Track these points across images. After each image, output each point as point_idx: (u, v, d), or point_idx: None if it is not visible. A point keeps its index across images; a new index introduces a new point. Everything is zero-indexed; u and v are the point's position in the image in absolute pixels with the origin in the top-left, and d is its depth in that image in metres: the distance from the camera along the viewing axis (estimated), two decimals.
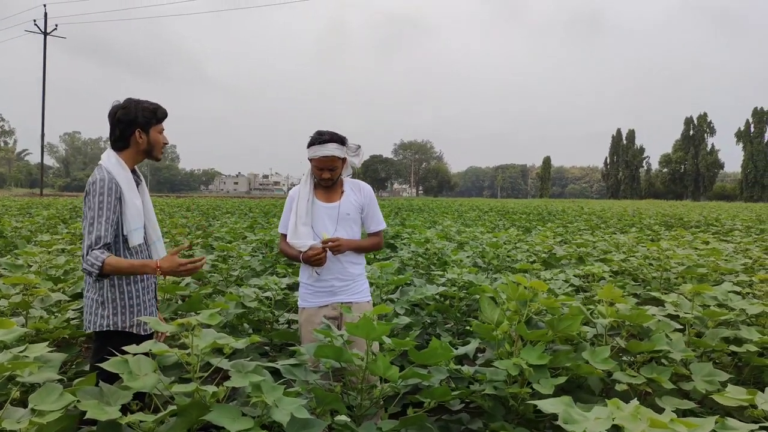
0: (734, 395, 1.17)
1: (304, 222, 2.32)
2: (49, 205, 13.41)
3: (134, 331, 1.97)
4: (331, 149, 2.28)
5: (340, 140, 2.34)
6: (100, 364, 1.49)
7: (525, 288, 1.91)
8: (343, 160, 2.37)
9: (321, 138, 2.30)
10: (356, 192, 2.44)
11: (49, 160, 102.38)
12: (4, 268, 3.35)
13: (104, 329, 1.92)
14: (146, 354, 1.51)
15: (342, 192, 2.41)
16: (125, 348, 1.58)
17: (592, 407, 0.96)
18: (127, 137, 1.97)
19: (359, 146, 2.43)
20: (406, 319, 1.89)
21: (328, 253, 2.29)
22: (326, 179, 2.35)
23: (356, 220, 2.43)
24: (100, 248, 1.84)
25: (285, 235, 2.43)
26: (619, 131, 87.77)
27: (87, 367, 2.23)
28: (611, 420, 0.84)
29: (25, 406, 1.63)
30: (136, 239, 1.95)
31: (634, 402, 0.87)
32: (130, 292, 1.96)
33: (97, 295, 1.92)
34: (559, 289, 2.91)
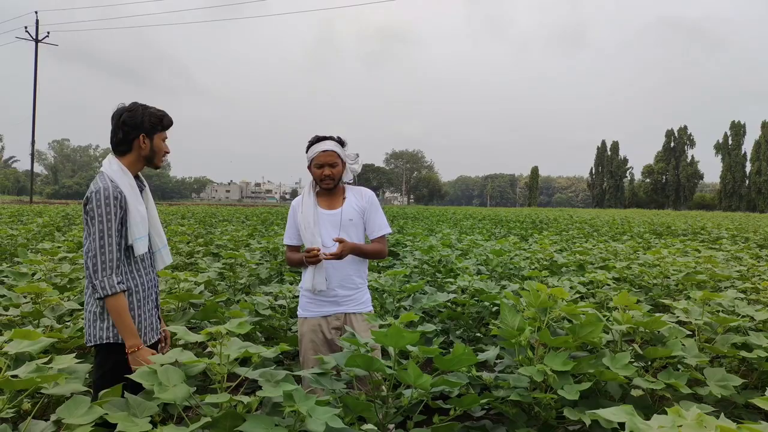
0: None
1: (312, 231, 2.30)
2: (41, 212, 13.14)
3: None
4: (329, 145, 2.31)
5: (339, 141, 2.37)
6: (129, 376, 1.46)
7: (547, 296, 1.93)
8: (343, 162, 2.37)
9: (319, 138, 2.35)
10: (357, 197, 2.41)
11: (37, 167, 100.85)
12: (6, 276, 3.26)
13: (104, 342, 1.83)
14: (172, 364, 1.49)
15: (344, 198, 2.39)
16: (151, 357, 1.55)
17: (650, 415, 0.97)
18: (131, 141, 1.90)
19: (358, 155, 2.44)
20: (431, 327, 1.89)
21: (333, 262, 2.25)
22: (327, 177, 2.29)
23: (359, 225, 2.38)
24: (117, 274, 1.78)
25: (290, 246, 2.43)
26: (603, 142, 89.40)
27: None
28: (676, 428, 0.84)
29: (40, 418, 1.59)
30: (141, 248, 1.87)
31: (695, 409, 0.88)
32: (131, 303, 1.87)
33: (95, 306, 1.84)
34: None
